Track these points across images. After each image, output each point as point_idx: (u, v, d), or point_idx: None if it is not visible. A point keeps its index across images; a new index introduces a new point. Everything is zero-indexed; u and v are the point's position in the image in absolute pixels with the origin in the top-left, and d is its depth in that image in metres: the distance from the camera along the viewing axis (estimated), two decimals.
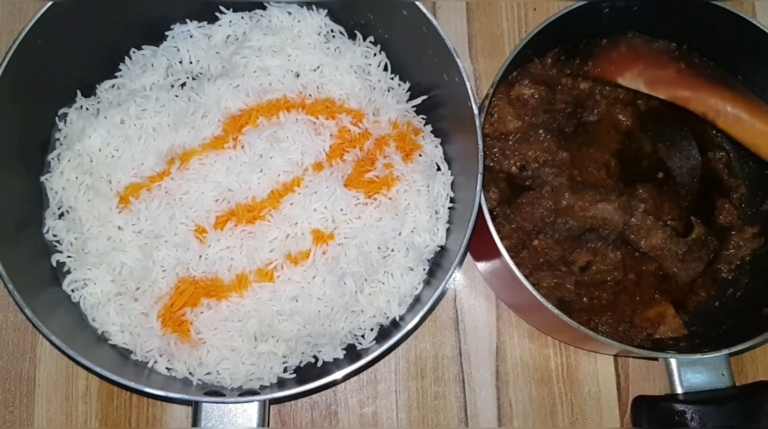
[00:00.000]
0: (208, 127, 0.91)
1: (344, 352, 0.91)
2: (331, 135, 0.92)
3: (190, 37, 0.97)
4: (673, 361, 0.89)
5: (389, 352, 1.02)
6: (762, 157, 0.92)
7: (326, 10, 0.97)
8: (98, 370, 0.79)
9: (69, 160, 0.91)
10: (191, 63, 0.96)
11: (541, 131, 0.99)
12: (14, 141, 0.88)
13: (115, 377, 0.79)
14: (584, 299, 0.99)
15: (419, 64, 0.95)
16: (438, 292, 0.83)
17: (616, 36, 0.97)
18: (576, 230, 0.98)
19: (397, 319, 0.90)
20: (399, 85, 0.99)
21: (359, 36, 0.98)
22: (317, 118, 0.92)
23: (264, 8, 0.98)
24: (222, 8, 0.97)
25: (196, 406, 0.83)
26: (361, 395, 1.02)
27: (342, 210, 0.90)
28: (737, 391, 0.89)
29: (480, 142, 0.85)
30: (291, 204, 0.88)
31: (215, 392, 0.86)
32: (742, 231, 1.04)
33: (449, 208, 0.94)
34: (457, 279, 1.07)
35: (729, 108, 0.89)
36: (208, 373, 0.87)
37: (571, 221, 0.98)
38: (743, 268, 1.04)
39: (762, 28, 0.95)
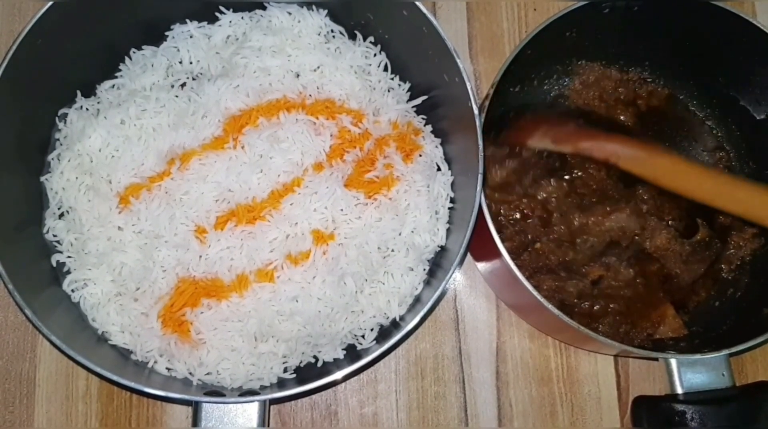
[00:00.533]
0: (208, 128, 0.91)
1: (344, 352, 0.91)
2: (331, 135, 0.92)
3: (190, 37, 0.97)
4: (673, 362, 0.89)
5: (389, 353, 1.02)
6: (664, 188, 0.98)
7: (326, 11, 0.97)
8: (98, 370, 0.79)
9: (69, 161, 0.91)
10: (191, 63, 0.96)
11: (530, 183, 1.01)
12: (14, 141, 0.87)
13: (115, 377, 0.79)
14: (587, 305, 0.99)
15: (419, 65, 0.95)
16: (438, 293, 0.83)
17: (519, 110, 1.05)
18: (598, 246, 0.98)
19: (398, 319, 0.90)
20: (399, 85, 0.99)
21: (359, 36, 0.98)
22: (317, 118, 0.92)
23: (264, 8, 0.98)
24: (222, 8, 0.97)
25: (196, 407, 0.83)
26: (361, 395, 1.02)
27: (342, 210, 0.90)
28: (737, 391, 0.89)
29: (480, 142, 0.85)
30: (291, 204, 0.88)
31: (215, 392, 0.86)
32: (742, 231, 1.04)
33: (449, 208, 0.94)
34: (457, 279, 1.07)
35: (626, 150, 0.97)
36: (208, 374, 0.87)
37: (590, 238, 0.98)
38: (743, 268, 1.04)
39: (762, 28, 0.95)
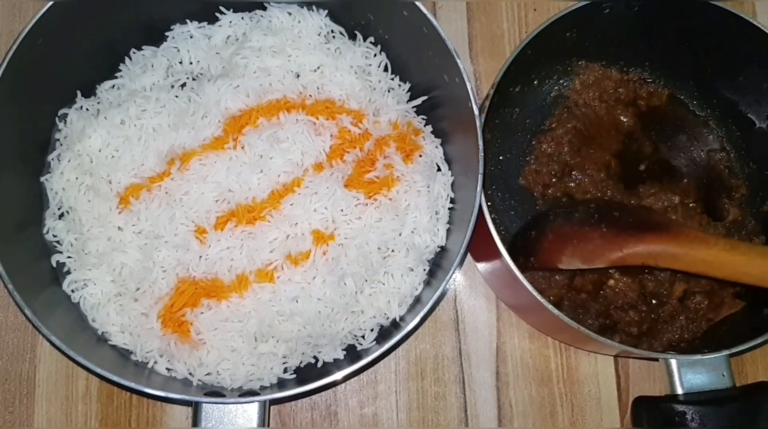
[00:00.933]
0: (208, 128, 0.91)
1: (344, 352, 0.91)
2: (331, 135, 0.92)
3: (191, 37, 0.97)
4: (673, 362, 0.89)
5: (389, 353, 1.02)
6: (712, 278, 0.92)
7: (326, 11, 0.97)
8: (98, 370, 0.79)
9: (69, 161, 0.91)
10: (191, 63, 0.96)
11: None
12: (14, 141, 0.87)
13: (115, 378, 0.79)
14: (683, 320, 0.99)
15: (419, 65, 0.95)
16: (438, 293, 0.83)
17: (539, 225, 0.99)
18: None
19: (398, 319, 0.90)
20: (399, 85, 0.99)
21: (359, 36, 0.98)
22: (317, 118, 0.92)
23: (264, 9, 0.98)
24: (222, 9, 0.97)
25: (196, 407, 0.83)
26: (361, 396, 1.02)
27: (342, 210, 0.90)
28: (737, 391, 0.89)
29: (480, 142, 0.85)
30: (291, 204, 0.88)
31: (215, 393, 0.86)
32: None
33: (449, 208, 0.94)
34: (457, 279, 1.07)
35: (659, 249, 0.89)
36: (208, 374, 0.87)
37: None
38: None
39: (762, 28, 0.95)
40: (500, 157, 1.07)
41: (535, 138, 1.08)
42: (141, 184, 0.90)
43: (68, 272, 0.90)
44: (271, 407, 0.98)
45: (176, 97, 0.93)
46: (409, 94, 0.99)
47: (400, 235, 0.92)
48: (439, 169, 0.96)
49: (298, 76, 0.95)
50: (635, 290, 0.97)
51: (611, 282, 0.97)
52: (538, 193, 1.06)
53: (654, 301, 0.98)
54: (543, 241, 0.97)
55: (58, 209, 0.92)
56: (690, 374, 0.88)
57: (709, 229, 0.99)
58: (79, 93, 0.94)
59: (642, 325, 0.96)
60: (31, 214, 0.91)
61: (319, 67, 0.95)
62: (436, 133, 0.98)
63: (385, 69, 0.99)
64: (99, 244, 0.89)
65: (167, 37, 0.97)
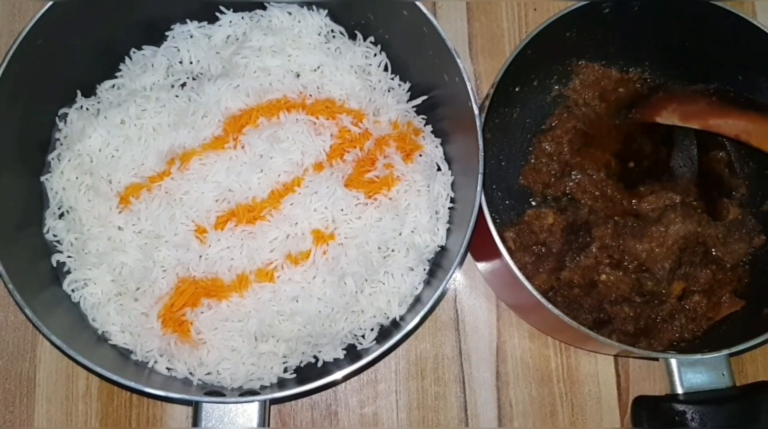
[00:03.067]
0: (209, 127, 0.91)
1: (344, 352, 0.91)
2: (331, 135, 0.92)
3: (191, 37, 0.97)
4: (673, 362, 0.89)
5: (389, 353, 1.02)
6: None
7: (326, 11, 0.97)
8: (98, 370, 0.79)
9: (69, 160, 0.91)
10: (191, 63, 0.96)
11: (573, 264, 0.99)
12: (14, 141, 0.87)
13: (115, 377, 0.79)
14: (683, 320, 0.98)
15: (419, 65, 0.95)
16: (438, 293, 0.83)
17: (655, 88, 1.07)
18: (674, 265, 0.97)
19: (398, 319, 0.90)
20: (399, 85, 0.99)
21: (359, 36, 0.98)
22: (317, 118, 0.92)
23: (264, 8, 0.98)
24: (222, 8, 0.97)
25: (196, 406, 0.83)
26: (361, 395, 1.02)
27: (342, 210, 0.90)
28: (737, 391, 0.89)
29: (480, 142, 0.85)
30: (291, 204, 0.89)
31: (215, 392, 0.86)
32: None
33: (449, 208, 0.94)
34: (457, 279, 1.07)
35: (760, 127, 0.93)
36: (208, 373, 0.87)
37: (663, 263, 0.96)
38: (743, 268, 1.03)
39: (762, 28, 0.95)
40: (500, 157, 1.07)
41: (535, 137, 1.08)
42: (141, 183, 0.90)
43: (68, 272, 0.90)
44: (271, 407, 0.98)
45: (176, 96, 0.93)
46: (409, 93, 0.99)
47: (400, 234, 0.92)
48: (439, 169, 0.96)
49: (298, 75, 0.95)
50: (627, 283, 0.97)
51: (603, 276, 0.97)
52: (537, 192, 1.06)
53: (655, 301, 0.98)
54: (651, 96, 1.04)
55: (58, 209, 0.92)
56: (690, 374, 0.89)
57: (709, 228, 0.99)
58: (79, 93, 0.94)
59: (638, 321, 0.96)
60: (31, 214, 0.91)
61: (319, 67, 0.95)
62: (436, 132, 0.98)
63: (385, 69, 0.99)
64: (99, 243, 0.89)
65: (167, 36, 0.97)
